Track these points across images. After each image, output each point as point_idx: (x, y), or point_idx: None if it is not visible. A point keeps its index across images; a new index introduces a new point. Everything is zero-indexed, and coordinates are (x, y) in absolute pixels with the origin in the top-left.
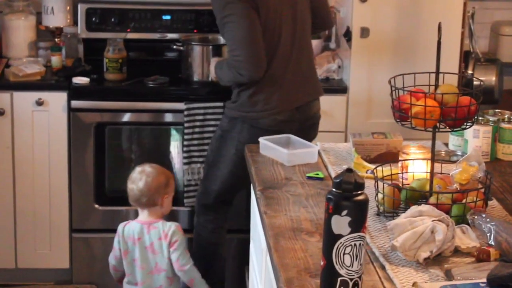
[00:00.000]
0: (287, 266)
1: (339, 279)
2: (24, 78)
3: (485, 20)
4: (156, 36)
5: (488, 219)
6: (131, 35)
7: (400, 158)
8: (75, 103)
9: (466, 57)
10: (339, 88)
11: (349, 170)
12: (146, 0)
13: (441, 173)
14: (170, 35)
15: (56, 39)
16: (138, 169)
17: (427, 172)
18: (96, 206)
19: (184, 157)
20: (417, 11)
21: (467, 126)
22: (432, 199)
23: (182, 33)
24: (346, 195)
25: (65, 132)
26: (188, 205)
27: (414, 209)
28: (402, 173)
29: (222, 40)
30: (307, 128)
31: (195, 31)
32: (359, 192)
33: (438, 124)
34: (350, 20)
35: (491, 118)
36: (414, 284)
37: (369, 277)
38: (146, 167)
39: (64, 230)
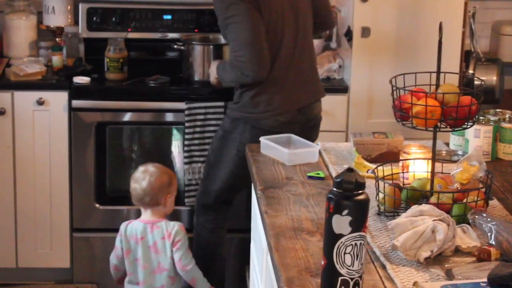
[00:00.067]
0: (288, 265)
1: (340, 278)
2: (25, 78)
3: (486, 19)
4: (157, 35)
5: (488, 219)
6: (132, 35)
7: (401, 158)
8: (76, 103)
9: (467, 56)
10: (340, 87)
11: (350, 170)
12: (147, 0)
13: (442, 173)
14: (171, 35)
15: (57, 39)
16: (141, 168)
17: (428, 172)
18: (97, 205)
19: (185, 157)
20: (418, 10)
21: (468, 126)
22: (433, 199)
23: (183, 33)
24: (347, 195)
25: (66, 131)
26: (188, 204)
27: (415, 208)
28: (403, 172)
29: (223, 40)
30: (308, 129)
31: (196, 30)
32: (360, 191)
33: (439, 124)
34: (351, 20)
35: (492, 118)
36: (415, 283)
37: (369, 276)
38: (149, 166)
39: (65, 229)
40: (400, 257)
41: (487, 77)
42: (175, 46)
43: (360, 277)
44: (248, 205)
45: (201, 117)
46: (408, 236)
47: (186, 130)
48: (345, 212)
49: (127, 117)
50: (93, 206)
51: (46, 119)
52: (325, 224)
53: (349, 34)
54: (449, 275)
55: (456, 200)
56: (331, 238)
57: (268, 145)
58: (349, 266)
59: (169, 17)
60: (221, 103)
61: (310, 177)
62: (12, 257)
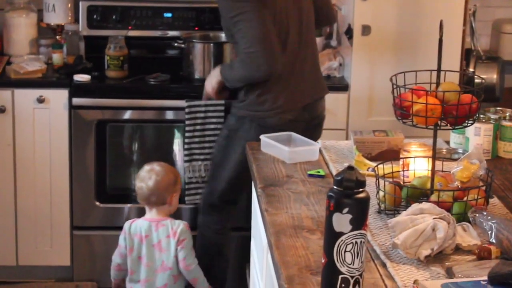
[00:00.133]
0: (288, 263)
1: (340, 276)
2: (25, 76)
3: (486, 18)
4: (157, 33)
5: (489, 217)
6: (132, 33)
7: (401, 156)
8: (76, 101)
9: (467, 55)
10: (340, 86)
11: (350, 168)
12: None
13: (442, 171)
14: (171, 33)
15: (57, 37)
16: (146, 167)
17: (428, 170)
18: (97, 203)
19: (185, 155)
20: (419, 9)
21: (469, 124)
22: (433, 197)
23: (183, 31)
24: (347, 193)
25: (66, 129)
26: (189, 202)
27: (415, 207)
28: (403, 171)
29: (223, 38)
30: (312, 127)
31: (196, 28)
32: (360, 189)
33: (439, 122)
34: (352, 18)
35: (492, 116)
36: (415, 281)
37: (370, 274)
38: (155, 165)
39: (65, 227)
40: (400, 255)
41: (488, 75)
42: (176, 44)
43: (361, 275)
44: (249, 203)
45: (202, 115)
46: (409, 234)
47: (187, 128)
48: (346, 210)
49: (128, 115)
50: (93, 204)
51: (46, 117)
52: (326, 222)
53: (349, 32)
54: (450, 273)
55: (456, 198)
56: (331, 236)
57: (269, 143)
58: (350, 264)
59: (169, 15)
60: (222, 101)
61: (311, 175)
62: (12, 255)
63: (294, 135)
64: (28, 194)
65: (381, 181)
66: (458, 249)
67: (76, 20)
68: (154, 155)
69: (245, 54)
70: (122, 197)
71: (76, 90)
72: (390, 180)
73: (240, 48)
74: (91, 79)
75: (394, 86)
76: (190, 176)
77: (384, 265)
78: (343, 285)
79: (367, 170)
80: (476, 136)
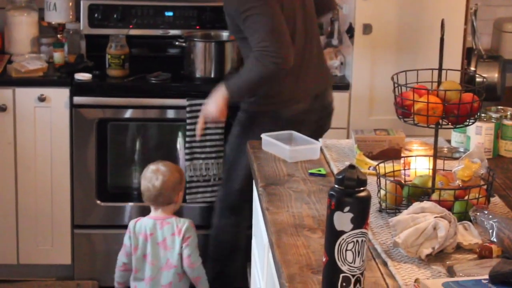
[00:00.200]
0: (289, 262)
1: (341, 275)
2: (27, 74)
3: (487, 17)
4: (158, 32)
5: (490, 216)
6: (134, 32)
7: (402, 155)
8: (77, 99)
9: (468, 54)
10: (341, 84)
11: (351, 167)
12: None
13: (443, 170)
14: (173, 32)
15: (59, 35)
16: (151, 167)
17: (429, 169)
18: (98, 202)
19: (186, 153)
20: (420, 7)
21: (470, 123)
22: (435, 196)
23: (185, 30)
24: (348, 192)
25: (67, 128)
26: (190, 201)
27: (416, 205)
28: (404, 169)
29: (224, 36)
30: (324, 117)
31: (197, 27)
32: (361, 188)
33: (440, 121)
34: (353, 17)
35: (494, 115)
36: (416, 280)
37: (371, 273)
38: (160, 165)
39: (66, 226)
40: (401, 254)
41: (489, 74)
42: (177, 43)
43: (362, 274)
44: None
45: None
46: (410, 233)
47: (188, 127)
48: (347, 209)
49: (129, 113)
50: (94, 202)
51: (47, 116)
52: (327, 221)
53: (350, 31)
54: (451, 272)
55: (457, 197)
56: (332, 235)
57: (270, 142)
58: (351, 263)
59: (170, 13)
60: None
61: (312, 174)
62: (13, 254)
63: (295, 134)
64: (29, 193)
65: (382, 180)
66: (459, 248)
67: (77, 19)
68: (155, 154)
69: (259, 49)
70: (123, 196)
71: (77, 88)
72: (391, 179)
73: (252, 44)
74: (92, 77)
75: (396, 85)
76: (191, 175)
77: (385, 264)
78: (344, 284)
79: (368, 169)
80: (477, 135)
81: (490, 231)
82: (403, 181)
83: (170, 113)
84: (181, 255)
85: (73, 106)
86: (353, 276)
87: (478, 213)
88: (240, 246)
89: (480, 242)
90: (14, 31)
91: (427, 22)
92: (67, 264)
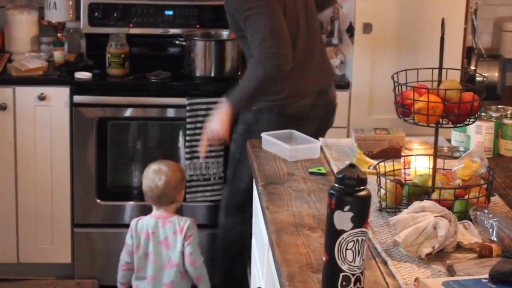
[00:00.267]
0: (289, 261)
1: (341, 274)
2: (27, 73)
3: (488, 16)
4: (158, 31)
5: (490, 215)
6: (134, 30)
7: (402, 154)
8: (77, 98)
9: (469, 53)
10: (341, 83)
11: (351, 166)
12: None
13: (443, 169)
14: (173, 30)
15: (59, 34)
16: (153, 167)
17: (429, 168)
18: (98, 201)
19: (186, 152)
20: (420, 6)
21: (470, 122)
22: (435, 195)
23: (185, 28)
24: (348, 191)
25: (67, 127)
26: (190, 200)
27: (416, 204)
28: (405, 168)
29: (224, 35)
30: (328, 112)
31: (197, 26)
32: (362, 187)
33: (441, 120)
34: (353, 16)
35: (494, 114)
36: (416, 279)
37: (371, 272)
38: (162, 165)
39: (66, 225)
40: (401, 253)
41: (489, 73)
42: (177, 42)
43: (362, 273)
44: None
45: (203, 112)
46: (410, 232)
47: (188, 126)
48: (347, 208)
49: (129, 112)
50: (94, 201)
51: (47, 115)
52: (327, 220)
53: (350, 30)
54: (451, 271)
55: (457, 197)
56: (332, 234)
57: (270, 140)
58: (351, 262)
59: (170, 12)
60: (223, 99)
61: (312, 173)
62: (13, 253)
63: (295, 133)
64: (29, 192)
65: (382, 179)
66: (459, 247)
67: (77, 18)
68: (155, 152)
69: (259, 51)
70: (123, 195)
71: (77, 87)
72: (391, 178)
73: (252, 44)
74: (92, 76)
75: (396, 84)
76: (191, 173)
77: (385, 263)
78: (344, 283)
79: (368, 168)
80: (477, 134)
81: (490, 230)
82: (403, 180)
83: (170, 112)
84: (183, 253)
85: (73, 105)
86: (353, 275)
87: (478, 212)
88: (247, 245)
89: (480, 241)
90: (14, 30)
91: (427, 21)
92: (67, 263)
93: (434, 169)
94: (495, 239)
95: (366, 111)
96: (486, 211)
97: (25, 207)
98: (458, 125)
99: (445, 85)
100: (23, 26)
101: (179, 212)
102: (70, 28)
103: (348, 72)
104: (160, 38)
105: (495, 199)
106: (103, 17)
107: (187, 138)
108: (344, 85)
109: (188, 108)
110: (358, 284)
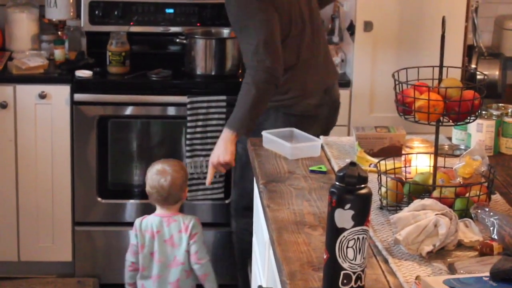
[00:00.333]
0: (290, 259)
1: (342, 272)
2: (27, 71)
3: (488, 14)
4: (159, 29)
5: (491, 213)
6: (134, 29)
7: (403, 152)
8: (78, 96)
9: (469, 51)
10: (342, 82)
11: (352, 164)
12: None
13: (444, 167)
14: (173, 29)
15: (59, 32)
16: (157, 167)
17: (430, 166)
18: (99, 199)
19: (187, 151)
20: (421, 5)
21: (471, 120)
22: (435, 193)
23: (185, 27)
24: (349, 189)
25: (68, 125)
26: (191, 198)
27: (417, 203)
28: (405, 167)
29: (225, 33)
30: (333, 111)
31: (198, 24)
32: (362, 185)
33: (441, 118)
34: (354, 14)
35: (495, 112)
36: (417, 277)
37: (372, 270)
38: (165, 166)
39: (67, 223)
40: (402, 251)
41: (490, 71)
42: (177, 40)
43: (363, 271)
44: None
45: (203, 111)
46: (411, 230)
47: (188, 124)
48: (348, 206)
49: (129, 111)
50: (95, 199)
51: (48, 113)
52: (328, 218)
53: (351, 29)
54: (452, 269)
55: (458, 195)
56: (333, 232)
57: (270, 139)
58: (352, 260)
59: (171, 11)
60: (223, 97)
61: (312, 171)
62: (14, 251)
63: (296, 131)
64: (30, 190)
65: (383, 177)
66: (460, 245)
67: (78, 16)
68: (155, 151)
69: (252, 62)
70: (123, 193)
71: (78, 86)
72: (392, 176)
73: (245, 54)
74: (93, 75)
75: (396, 82)
76: (192, 172)
77: (386, 261)
78: (345, 281)
79: (369, 166)
80: (478, 133)
81: (491, 228)
82: (404, 179)
83: (171, 110)
84: (188, 252)
85: (73, 103)
86: (354, 273)
87: (479, 211)
88: None
89: (481, 239)
90: (14, 28)
91: (428, 20)
92: (68, 261)
93: (435, 167)
94: (496, 237)
95: (367, 109)
96: (487, 209)
97: (26, 205)
98: (458, 123)
99: (445, 83)
100: (23, 24)
101: (180, 208)
102: (71, 26)
103: (348, 70)
104: (161, 36)
105: (496, 197)
106: (104, 15)
107: (188, 136)
108: (345, 83)
109: (188, 106)
110: (359, 282)
